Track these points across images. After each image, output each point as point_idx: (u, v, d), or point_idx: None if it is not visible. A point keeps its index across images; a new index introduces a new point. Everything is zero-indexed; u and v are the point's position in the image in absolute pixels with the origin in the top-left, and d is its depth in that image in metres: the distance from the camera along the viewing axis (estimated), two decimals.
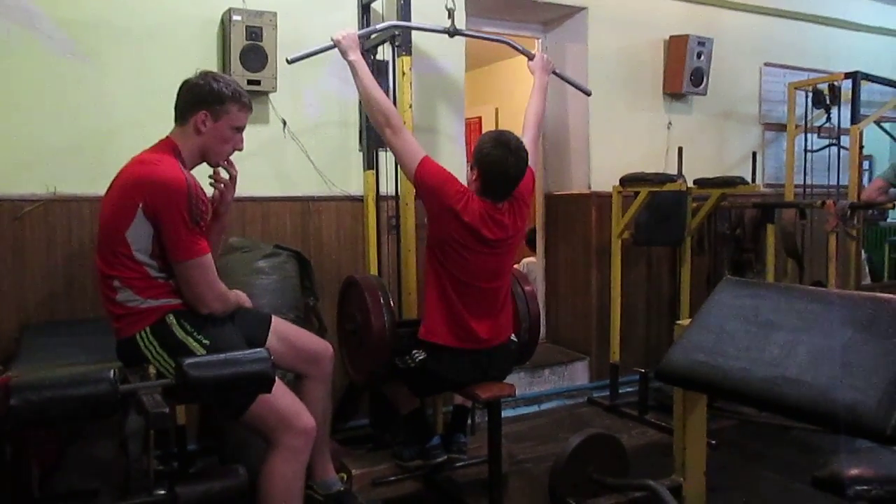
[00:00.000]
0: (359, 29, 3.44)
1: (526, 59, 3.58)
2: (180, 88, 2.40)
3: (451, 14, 3.27)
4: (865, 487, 1.68)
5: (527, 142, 3.12)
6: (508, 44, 3.64)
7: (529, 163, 3.00)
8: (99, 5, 3.32)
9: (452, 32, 3.35)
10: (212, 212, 2.46)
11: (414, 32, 3.41)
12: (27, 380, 1.59)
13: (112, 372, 1.59)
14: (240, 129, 2.44)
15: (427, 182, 2.89)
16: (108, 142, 3.22)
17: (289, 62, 3.08)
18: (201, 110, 2.35)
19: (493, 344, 2.99)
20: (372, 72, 3.77)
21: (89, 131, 3.31)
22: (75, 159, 3.27)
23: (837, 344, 1.84)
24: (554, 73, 3.58)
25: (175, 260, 2.27)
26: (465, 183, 3.02)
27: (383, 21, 3.85)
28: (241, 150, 2.50)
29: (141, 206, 2.21)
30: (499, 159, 2.82)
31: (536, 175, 5.00)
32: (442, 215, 2.87)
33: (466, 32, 3.67)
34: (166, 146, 2.36)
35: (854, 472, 1.76)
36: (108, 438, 2.33)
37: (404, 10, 3.36)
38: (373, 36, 3.84)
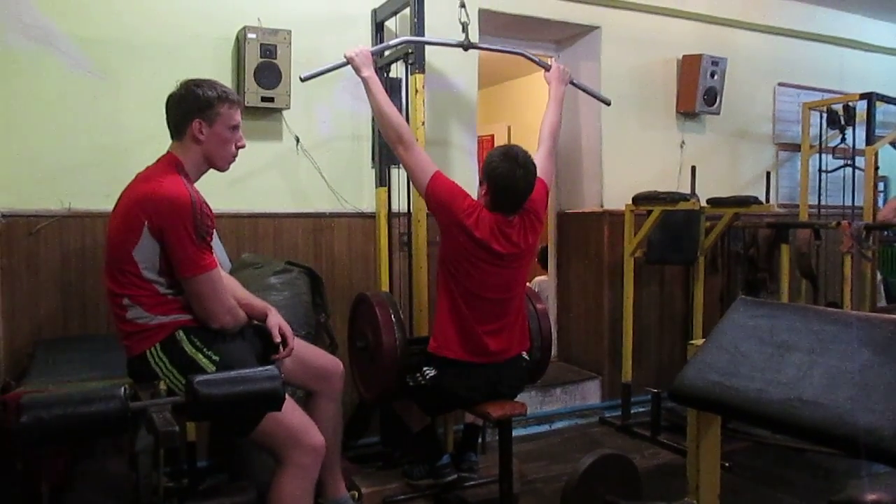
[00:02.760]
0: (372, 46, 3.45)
1: (543, 71, 3.55)
2: (167, 104, 2.40)
3: (465, 28, 3.25)
4: None
5: (542, 154, 3.18)
6: (523, 55, 3.63)
7: (544, 175, 3.06)
8: (115, 24, 3.36)
9: (467, 46, 3.34)
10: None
11: (427, 50, 3.42)
12: (38, 397, 1.59)
13: (122, 389, 1.59)
14: (236, 127, 2.43)
15: (438, 197, 2.91)
16: (122, 158, 3.24)
17: (302, 80, 3.08)
18: (194, 119, 2.34)
19: (504, 357, 2.98)
20: (385, 90, 3.81)
21: (104, 148, 3.33)
22: (90, 176, 3.29)
23: (855, 366, 1.81)
24: (571, 83, 3.54)
25: (183, 276, 2.27)
26: (476, 198, 3.02)
27: (396, 38, 3.87)
28: (243, 146, 2.48)
29: (146, 224, 2.22)
30: (507, 173, 2.83)
31: (549, 192, 5.05)
32: (452, 229, 2.88)
33: (481, 46, 3.68)
34: (168, 162, 2.36)
35: (872, 496, 1.73)
36: (118, 455, 2.33)
37: (418, 28, 3.37)
38: (386, 53, 3.86)
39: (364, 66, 2.99)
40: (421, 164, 2.95)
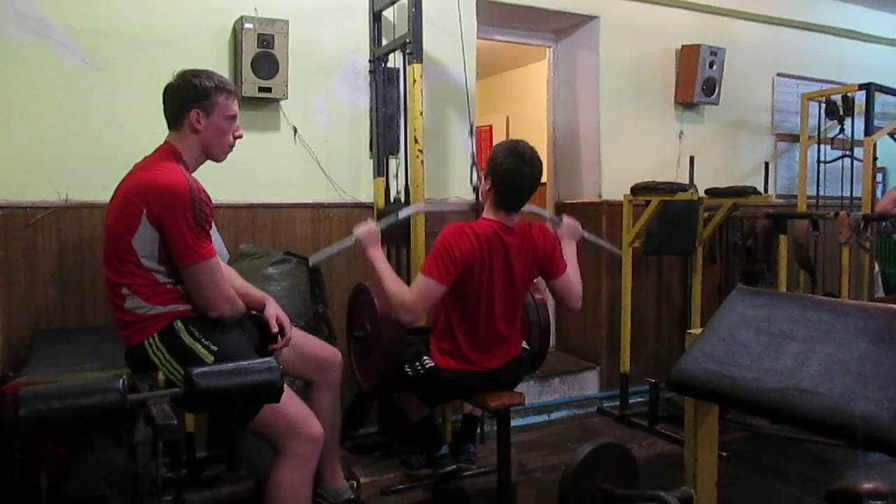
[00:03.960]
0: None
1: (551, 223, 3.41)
2: (164, 95, 2.39)
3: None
4: (881, 502, 1.66)
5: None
6: (535, 212, 3.39)
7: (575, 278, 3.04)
8: (111, 15, 3.35)
9: None
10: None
11: (425, 40, 3.39)
12: (36, 390, 1.58)
13: (121, 382, 1.58)
14: (234, 118, 2.42)
15: (451, 276, 2.77)
16: (119, 149, 3.21)
17: (311, 266, 3.16)
18: (192, 109, 2.34)
19: (505, 360, 2.98)
20: (383, 80, 3.80)
21: (101, 139, 3.32)
22: (87, 167, 3.29)
23: (852, 355, 1.81)
24: (583, 238, 3.40)
25: (182, 265, 2.26)
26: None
27: (394, 28, 3.86)
28: (240, 136, 2.48)
29: (145, 212, 2.21)
30: (512, 168, 2.80)
31: (547, 183, 5.04)
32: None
33: None
34: (167, 151, 2.36)
35: (868, 485, 1.73)
36: (116, 445, 2.33)
37: (415, 19, 3.35)
38: (384, 43, 3.85)
39: (370, 246, 2.92)
40: (427, 297, 2.77)
